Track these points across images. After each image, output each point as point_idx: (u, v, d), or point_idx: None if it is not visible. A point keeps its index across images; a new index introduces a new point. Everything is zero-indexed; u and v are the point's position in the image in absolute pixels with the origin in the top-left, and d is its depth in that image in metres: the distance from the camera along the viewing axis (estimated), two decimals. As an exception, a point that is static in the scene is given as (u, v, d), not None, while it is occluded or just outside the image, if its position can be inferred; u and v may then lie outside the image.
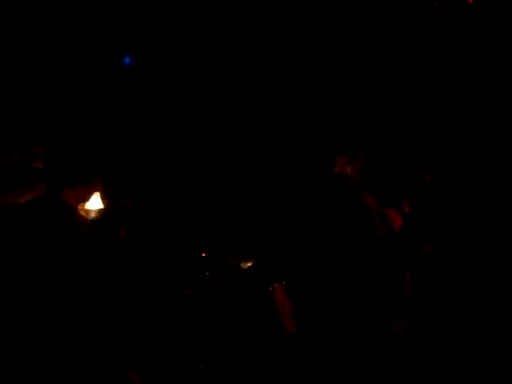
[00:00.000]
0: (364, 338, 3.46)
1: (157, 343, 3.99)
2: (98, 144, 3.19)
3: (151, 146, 6.29)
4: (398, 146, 4.50)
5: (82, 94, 5.74)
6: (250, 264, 4.57)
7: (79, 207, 5.36)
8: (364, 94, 5.96)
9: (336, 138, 6.32)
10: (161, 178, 6.24)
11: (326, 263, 4.38)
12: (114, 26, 5.51)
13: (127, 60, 5.98)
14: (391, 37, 5.55)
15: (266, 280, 3.60)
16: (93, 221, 4.67)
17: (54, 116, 5.46)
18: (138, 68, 5.99)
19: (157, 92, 6.16)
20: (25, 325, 2.51)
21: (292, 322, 3.46)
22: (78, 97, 5.71)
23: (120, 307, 2.95)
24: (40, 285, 2.54)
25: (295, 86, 6.16)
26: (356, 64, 5.83)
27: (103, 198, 5.55)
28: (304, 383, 3.35)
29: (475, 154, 3.64)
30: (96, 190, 5.09)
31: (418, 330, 3.34)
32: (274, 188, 6.19)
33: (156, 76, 6.06)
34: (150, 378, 3.42)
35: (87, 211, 5.29)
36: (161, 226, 5.89)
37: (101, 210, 5.21)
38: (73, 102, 5.66)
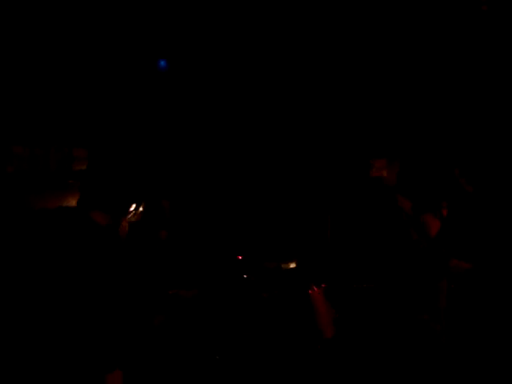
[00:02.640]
0: (400, 342, 3.43)
1: (189, 345, 3.99)
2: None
3: (188, 150, 6.34)
4: (436, 151, 4.44)
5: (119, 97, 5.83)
6: (290, 266, 4.56)
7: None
8: (402, 97, 5.93)
9: (373, 141, 6.29)
10: (198, 179, 6.28)
11: (362, 267, 4.36)
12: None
13: (162, 64, 6.05)
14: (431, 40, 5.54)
15: (305, 283, 3.59)
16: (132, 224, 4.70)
17: (95, 119, 5.55)
18: (175, 73, 6.06)
19: (191, 99, 6.22)
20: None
21: (330, 326, 3.44)
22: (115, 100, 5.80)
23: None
24: None
25: (334, 89, 6.16)
26: (396, 68, 5.82)
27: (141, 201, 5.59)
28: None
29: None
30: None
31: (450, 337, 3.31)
32: (312, 191, 6.19)
33: (189, 80, 6.14)
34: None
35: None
36: (198, 229, 5.92)
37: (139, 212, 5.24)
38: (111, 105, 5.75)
